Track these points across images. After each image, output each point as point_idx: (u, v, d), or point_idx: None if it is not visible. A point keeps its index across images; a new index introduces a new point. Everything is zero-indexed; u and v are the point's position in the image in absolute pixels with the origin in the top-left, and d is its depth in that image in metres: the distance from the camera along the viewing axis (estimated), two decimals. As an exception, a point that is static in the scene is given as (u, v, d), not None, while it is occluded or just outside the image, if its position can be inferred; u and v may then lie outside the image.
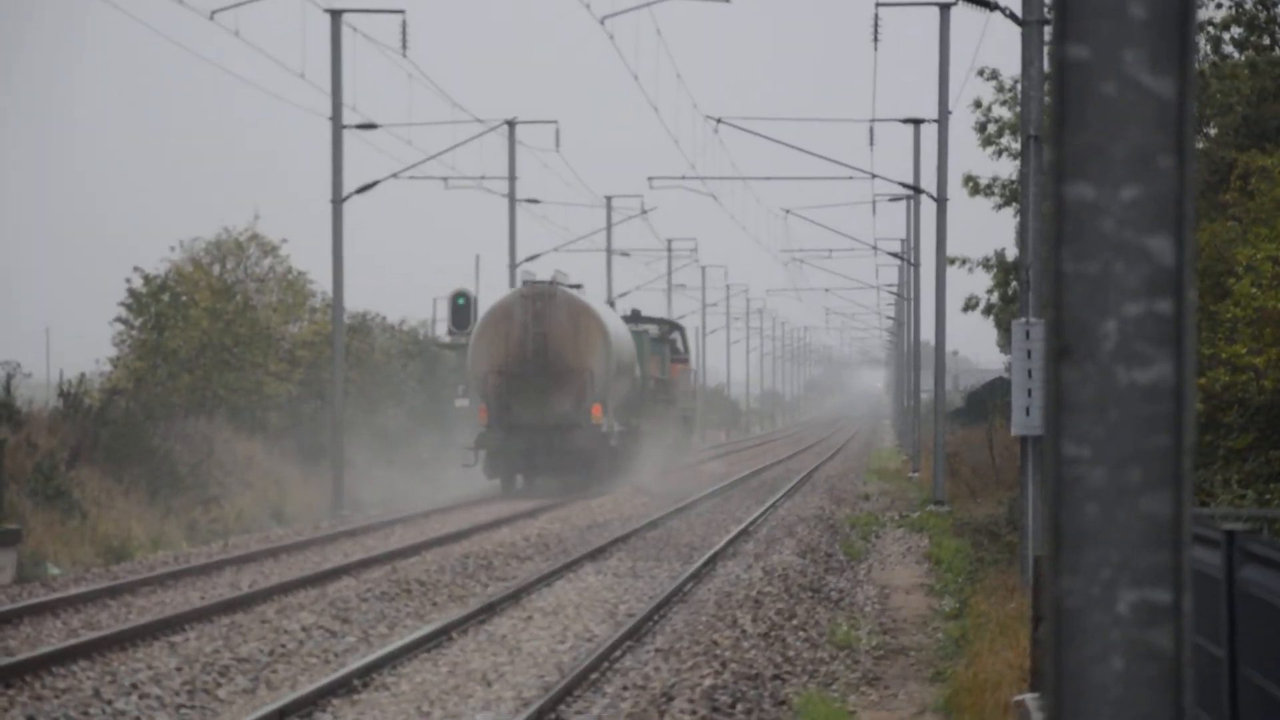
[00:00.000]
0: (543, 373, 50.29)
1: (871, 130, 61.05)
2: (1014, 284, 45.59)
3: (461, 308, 56.76)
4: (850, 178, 57.02)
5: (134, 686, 18.50)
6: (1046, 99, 26.65)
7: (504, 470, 50.86)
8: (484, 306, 53.25)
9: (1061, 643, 3.65)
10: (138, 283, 52.53)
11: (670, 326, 68.99)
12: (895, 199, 70.89)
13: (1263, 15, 40.02)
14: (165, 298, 52.28)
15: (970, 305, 49.80)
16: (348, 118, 47.24)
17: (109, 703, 17.73)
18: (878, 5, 46.67)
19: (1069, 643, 3.65)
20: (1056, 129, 3.63)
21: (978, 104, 47.36)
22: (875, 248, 76.48)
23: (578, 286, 53.49)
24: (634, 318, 64.62)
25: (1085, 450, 3.63)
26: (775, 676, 19.54)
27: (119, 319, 52.66)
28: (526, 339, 50.41)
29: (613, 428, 52.02)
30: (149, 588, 27.65)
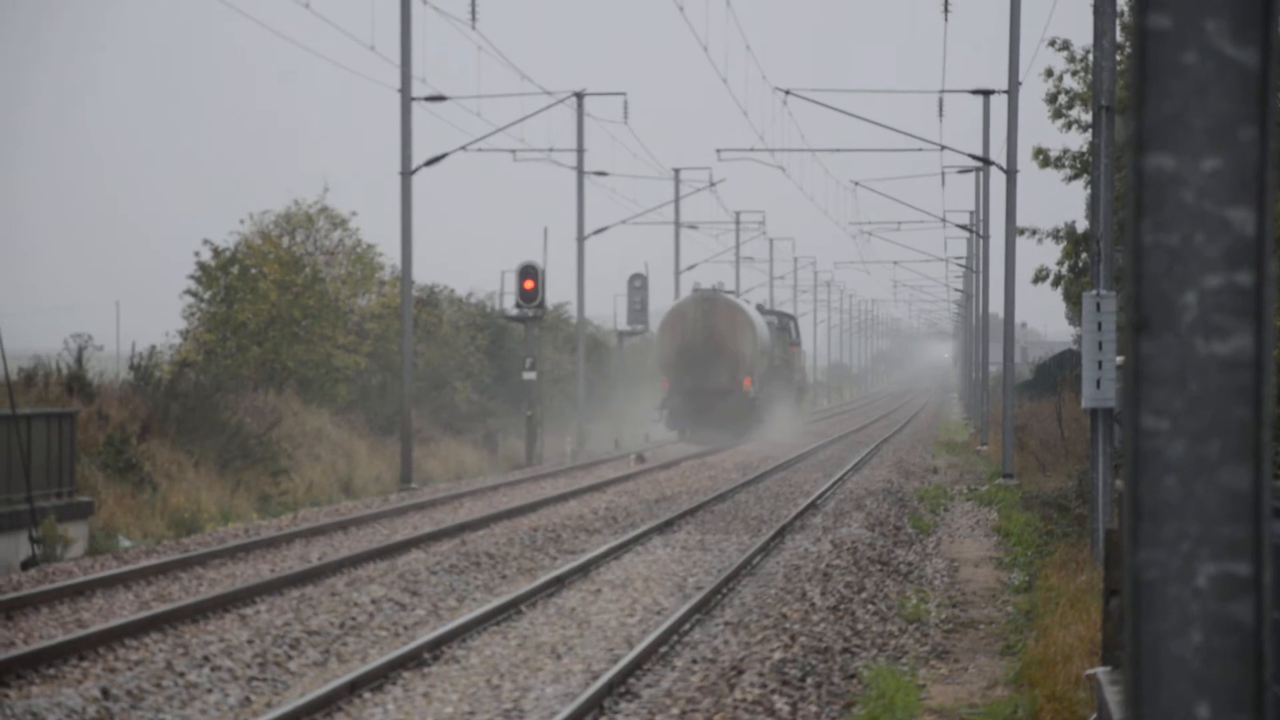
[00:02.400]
0: (708, 354, 68.35)
1: (941, 101, 60.79)
2: (1084, 256, 45.36)
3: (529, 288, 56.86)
4: (920, 150, 56.77)
5: (206, 659, 18.62)
6: (1120, 69, 26.45)
7: (681, 422, 68.49)
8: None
9: (1140, 616, 3.63)
10: (207, 255, 52.80)
11: (787, 318, 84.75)
12: (965, 171, 70.58)
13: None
14: (234, 270, 52.55)
15: (1040, 277, 49.53)
16: (417, 90, 47.34)
17: (181, 675, 17.86)
18: (946, -24, 46.40)
19: (1148, 616, 3.63)
20: (1137, 99, 3.60)
21: (1049, 73, 47.07)
22: (944, 220, 76.20)
23: (733, 292, 72.91)
24: (760, 311, 77.89)
25: (1164, 423, 3.61)
26: (845, 650, 19.52)
27: (188, 291, 52.96)
28: (698, 330, 68.46)
29: (756, 394, 69.51)
30: (219, 560, 27.82)
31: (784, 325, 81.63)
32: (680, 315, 69.08)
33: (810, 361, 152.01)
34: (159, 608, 21.70)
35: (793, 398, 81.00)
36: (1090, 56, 37.96)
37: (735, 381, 68.38)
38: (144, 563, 26.58)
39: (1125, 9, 31.17)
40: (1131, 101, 3.62)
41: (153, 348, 45.29)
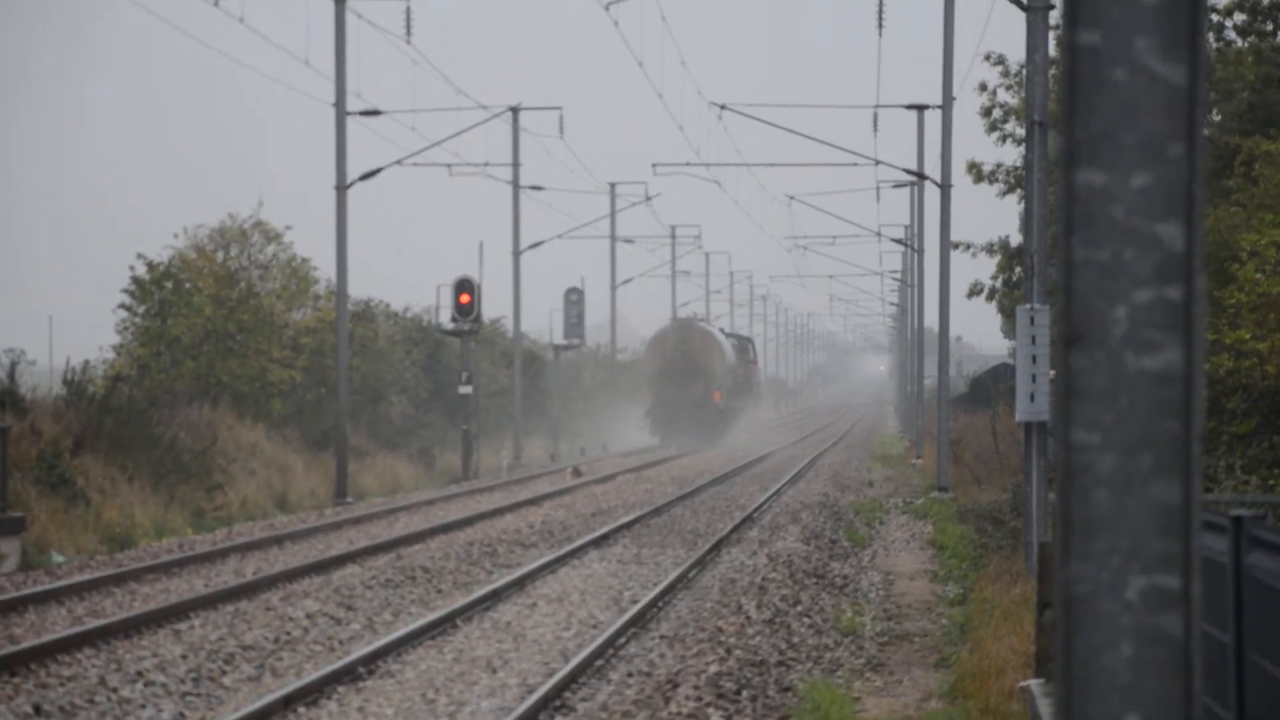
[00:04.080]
0: (685, 372, 79.82)
1: (875, 116, 61.06)
2: (1018, 270, 45.58)
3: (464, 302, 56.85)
4: (854, 164, 56.94)
5: (139, 674, 18.52)
6: (1053, 85, 26.66)
7: (662, 430, 79.72)
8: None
9: (1071, 629, 3.65)
10: (141, 270, 52.53)
11: (746, 340, 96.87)
12: (899, 185, 70.84)
13: (1266, 1, 39.98)
14: (169, 285, 52.29)
15: (974, 291, 49.76)
16: (351, 104, 47.24)
17: (114, 690, 17.75)
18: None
19: (1079, 629, 3.65)
20: (1067, 116, 3.63)
21: (983, 87, 47.31)
22: (879, 234, 76.45)
23: (704, 320, 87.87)
24: (725, 334, 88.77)
25: (1095, 437, 3.64)
26: (780, 663, 19.55)
27: (122, 305, 52.67)
28: (676, 352, 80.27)
29: (725, 405, 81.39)
30: (153, 575, 27.67)
31: (743, 346, 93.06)
32: (662, 339, 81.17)
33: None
34: (92, 623, 21.56)
35: (753, 408, 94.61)
36: (1024, 71, 38.21)
37: (708, 395, 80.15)
38: (77, 578, 26.41)
39: (1059, 23, 31.39)
40: (1062, 118, 3.64)
41: (86, 362, 45.00)
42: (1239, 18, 40.13)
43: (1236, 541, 9.37)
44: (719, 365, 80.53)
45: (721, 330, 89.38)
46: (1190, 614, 3.63)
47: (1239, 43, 40.04)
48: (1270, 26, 39.88)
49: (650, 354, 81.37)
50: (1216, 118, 38.80)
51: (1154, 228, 3.60)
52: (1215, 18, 40.04)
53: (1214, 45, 39.69)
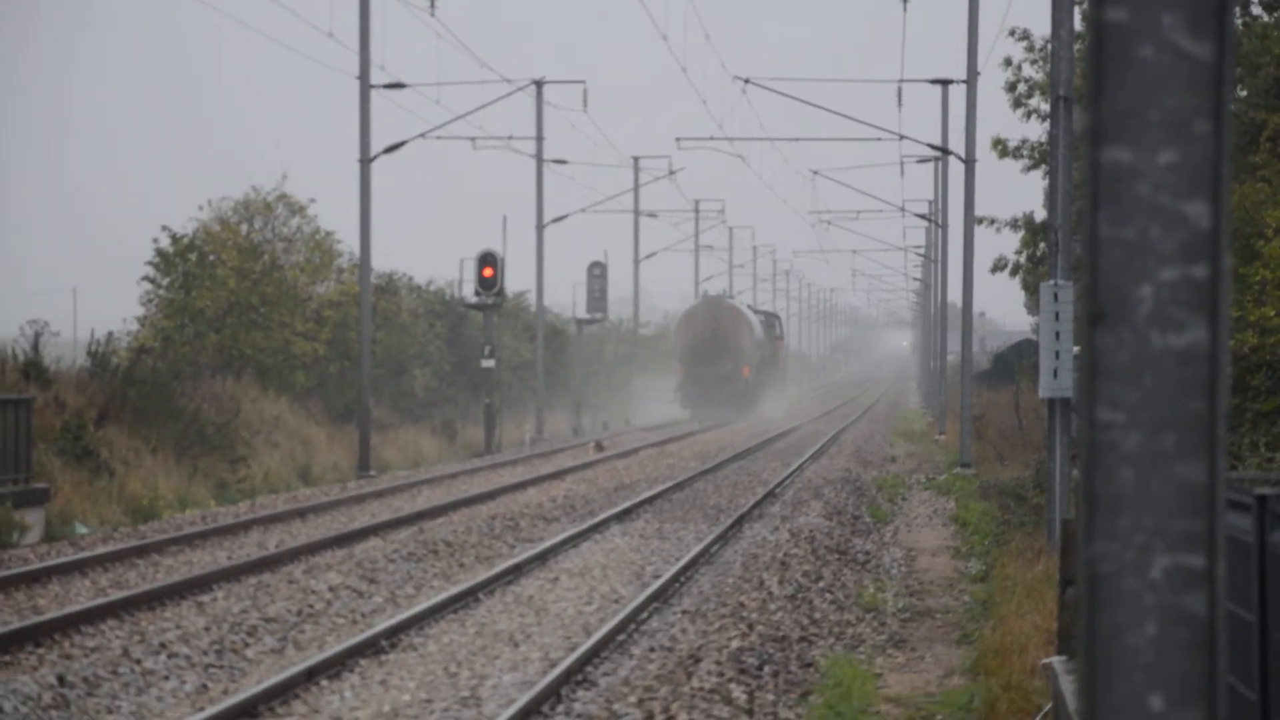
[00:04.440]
0: (715, 348, 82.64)
1: (900, 91, 60.85)
2: (1042, 245, 45.47)
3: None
4: (879, 139, 56.86)
5: (162, 646, 18.57)
6: (1078, 60, 26.57)
7: (692, 403, 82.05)
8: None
9: (1095, 608, 3.64)
10: (165, 242, 52.61)
11: (774, 316, 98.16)
12: (923, 160, 70.71)
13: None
14: (192, 257, 52.37)
15: (998, 266, 49.65)
16: (375, 77, 47.22)
17: (138, 662, 17.81)
18: (906, -35, 46.44)
19: (1102, 608, 3.64)
20: (1093, 92, 3.61)
21: (1008, 62, 47.17)
22: (903, 209, 76.36)
23: (733, 297, 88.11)
24: (753, 310, 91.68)
25: (1120, 415, 3.62)
26: (802, 639, 19.56)
27: (146, 278, 52.75)
28: (706, 328, 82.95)
29: (753, 380, 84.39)
30: (176, 547, 27.74)
31: (770, 323, 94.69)
32: (692, 316, 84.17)
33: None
34: (115, 594, 21.63)
35: (779, 382, 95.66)
36: (1049, 46, 38.08)
37: (737, 370, 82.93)
38: (100, 549, 26.49)
39: None
40: (1087, 94, 3.62)
41: (110, 334, 45.10)
42: (1266, -7, 39.93)
43: (1261, 520, 9.34)
44: (748, 341, 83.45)
45: (750, 307, 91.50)
46: (1215, 593, 3.62)
47: (1265, 17, 39.87)
48: (1297, 2, 39.68)
49: (681, 330, 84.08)
50: (1242, 93, 38.66)
51: (1180, 205, 3.58)
52: (1242, -7, 39.86)
53: (1240, 20, 39.54)
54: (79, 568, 24.82)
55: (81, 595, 22.57)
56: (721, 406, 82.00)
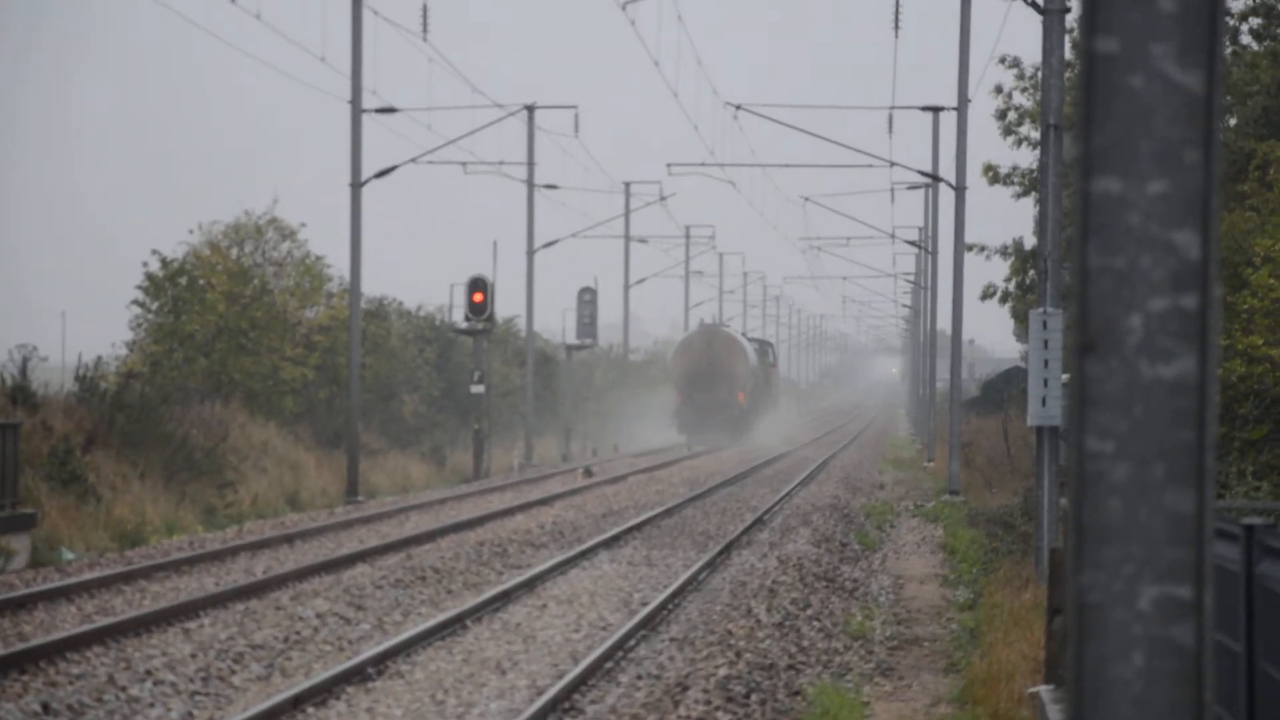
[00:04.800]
0: (711, 375, 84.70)
1: (891, 118, 61.02)
2: (1032, 273, 45.51)
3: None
4: (869, 165, 56.93)
5: (148, 673, 18.51)
6: (1068, 88, 26.62)
7: (690, 429, 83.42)
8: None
9: (1082, 638, 3.63)
10: (155, 266, 52.57)
11: (766, 344, 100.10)
12: (914, 187, 70.80)
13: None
14: (182, 281, 52.33)
15: (988, 294, 49.70)
16: (367, 101, 47.27)
17: (123, 689, 17.75)
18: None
19: (1090, 638, 3.63)
20: (1084, 122, 3.60)
21: (998, 90, 47.27)
22: (893, 236, 76.43)
23: (729, 326, 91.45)
24: (747, 339, 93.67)
25: (1109, 445, 3.61)
26: (790, 667, 19.52)
27: (136, 302, 52.71)
28: (703, 356, 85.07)
29: (748, 405, 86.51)
30: (164, 573, 27.68)
31: (764, 350, 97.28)
32: (689, 344, 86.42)
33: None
34: (101, 621, 21.57)
35: (772, 408, 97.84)
36: (1039, 74, 38.13)
37: (732, 396, 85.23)
38: (87, 575, 26.42)
39: (1075, 27, 31.31)
40: (1078, 124, 3.62)
41: (98, 359, 45.04)
42: (1255, 21, 40.07)
43: (1248, 550, 9.33)
44: (742, 368, 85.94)
45: (744, 335, 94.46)
46: (1202, 624, 3.60)
47: (1255, 46, 39.97)
48: (1286, 31, 39.77)
49: (678, 358, 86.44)
50: (1232, 122, 38.74)
51: (1170, 235, 3.57)
52: (1231, 22, 39.98)
53: (1230, 49, 39.63)
54: (65, 594, 24.74)
55: (67, 622, 22.50)
56: (717, 432, 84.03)
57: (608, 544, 33.14)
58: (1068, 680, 3.65)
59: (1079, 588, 3.63)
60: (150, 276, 52.44)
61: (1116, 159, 3.58)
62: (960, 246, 45.05)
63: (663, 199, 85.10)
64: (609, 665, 19.64)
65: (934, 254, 64.38)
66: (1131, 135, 3.57)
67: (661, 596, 24.63)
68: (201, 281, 52.39)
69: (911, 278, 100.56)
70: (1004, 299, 49.05)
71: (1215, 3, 3.54)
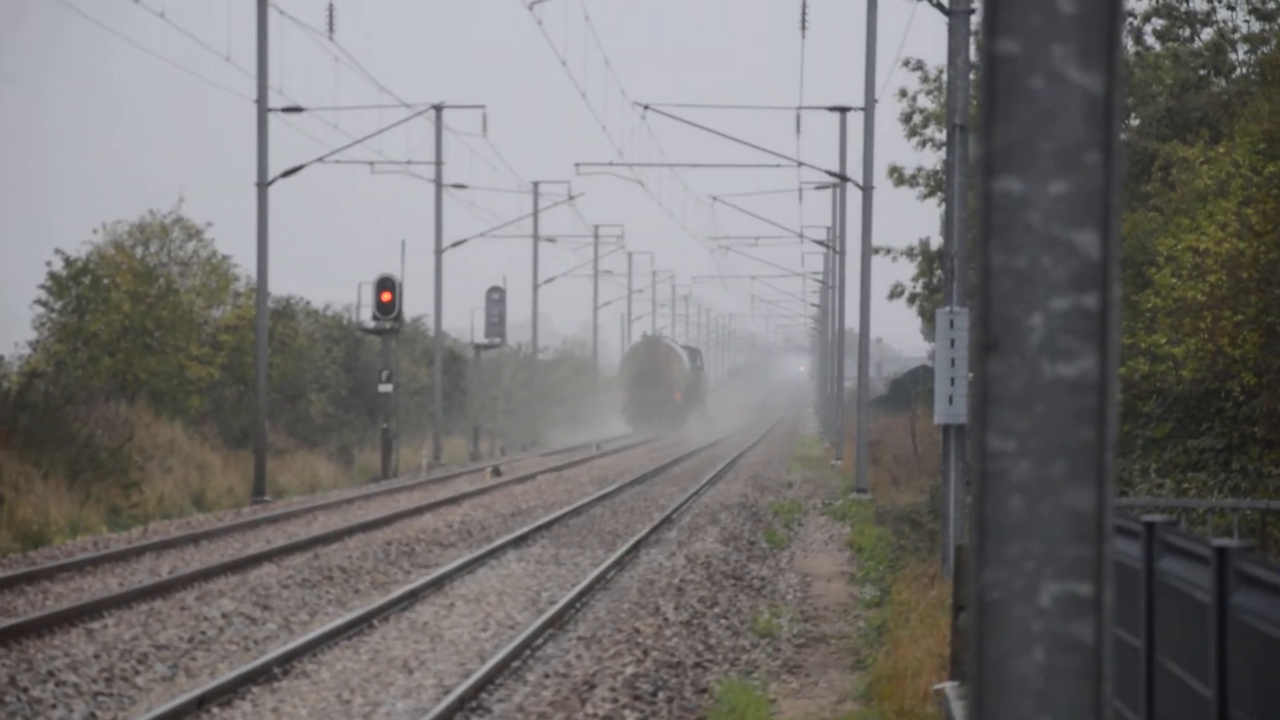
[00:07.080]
0: (653, 377, 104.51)
1: (798, 118, 61.31)
2: (938, 273, 45.78)
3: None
4: (777, 165, 57.11)
5: (51, 674, 18.36)
6: (973, 90, 26.78)
7: (636, 422, 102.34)
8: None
9: (984, 634, 3.66)
10: (58, 265, 52.11)
11: (696, 351, 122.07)
12: (821, 187, 71.08)
13: (1182, 7, 40.29)
14: (86, 280, 51.90)
15: (895, 293, 49.97)
16: (273, 101, 47.00)
17: (25, 690, 17.60)
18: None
19: (991, 634, 3.66)
20: (986, 123, 3.63)
21: (903, 94, 47.55)
22: (801, 235, 76.68)
23: (668, 337, 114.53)
24: (682, 347, 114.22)
25: (1010, 444, 3.65)
26: (697, 664, 19.57)
27: (39, 301, 52.22)
28: (647, 361, 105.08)
29: (682, 403, 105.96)
30: (67, 574, 27.45)
31: (694, 356, 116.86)
32: (635, 352, 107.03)
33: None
34: (2, 622, 21.36)
35: (701, 404, 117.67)
36: (944, 77, 38.35)
37: (670, 394, 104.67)
38: (-10, 576, 26.16)
39: (979, 29, 31.56)
40: (980, 125, 3.65)
41: (0, 358, 44.60)
42: (1158, 23, 40.44)
43: (1149, 547, 9.42)
44: (678, 371, 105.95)
45: (678, 343, 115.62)
46: (1102, 621, 3.64)
47: (1158, 47, 40.33)
48: (1188, 32, 40.18)
49: (626, 362, 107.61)
50: (1134, 122, 39.07)
51: (1071, 235, 3.61)
52: (1134, 23, 40.32)
53: (1132, 50, 39.97)
54: (-32, 594, 24.49)
55: (-30, 622, 22.27)
56: (658, 424, 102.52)
57: (516, 543, 33.11)
58: (970, 675, 3.69)
59: (981, 584, 3.66)
60: (54, 275, 51.97)
61: (1017, 159, 3.62)
62: (868, 246, 45.26)
63: (571, 198, 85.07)
64: (516, 664, 19.63)
65: (842, 253, 64.64)
66: (1032, 136, 3.61)
67: (569, 595, 24.63)
68: (106, 281, 51.98)
69: (820, 277, 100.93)
70: (911, 299, 49.33)
71: (1115, 5, 3.58)
